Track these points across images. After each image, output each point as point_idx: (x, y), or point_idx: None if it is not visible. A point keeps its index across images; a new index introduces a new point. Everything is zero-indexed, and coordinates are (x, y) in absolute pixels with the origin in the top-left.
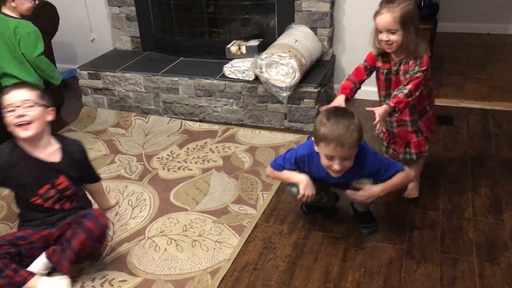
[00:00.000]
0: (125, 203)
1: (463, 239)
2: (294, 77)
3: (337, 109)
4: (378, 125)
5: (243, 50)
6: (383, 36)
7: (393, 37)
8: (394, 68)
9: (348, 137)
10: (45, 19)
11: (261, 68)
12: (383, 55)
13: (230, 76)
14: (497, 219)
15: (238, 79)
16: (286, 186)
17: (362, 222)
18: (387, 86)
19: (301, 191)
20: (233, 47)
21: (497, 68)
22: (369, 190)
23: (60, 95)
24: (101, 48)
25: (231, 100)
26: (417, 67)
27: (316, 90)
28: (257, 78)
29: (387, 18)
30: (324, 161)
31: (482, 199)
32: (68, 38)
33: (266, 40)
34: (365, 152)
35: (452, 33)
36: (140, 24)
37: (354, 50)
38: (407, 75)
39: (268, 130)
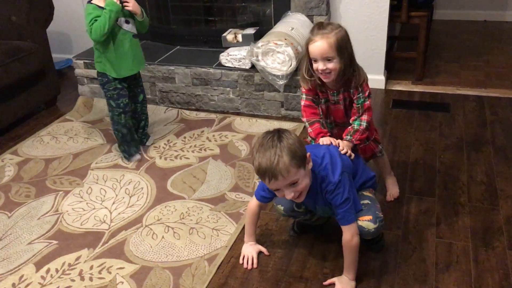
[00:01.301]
0: (122, 191)
1: (458, 225)
2: (291, 65)
3: (265, 136)
4: (349, 152)
5: (239, 38)
6: (320, 65)
7: (331, 65)
8: (332, 98)
9: (277, 166)
10: (40, 8)
11: (257, 56)
12: (319, 85)
13: (226, 65)
14: (492, 205)
15: (235, 67)
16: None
17: (369, 240)
18: (327, 114)
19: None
20: (229, 36)
21: (493, 55)
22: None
23: (56, 84)
24: None
25: (228, 89)
26: (361, 94)
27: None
28: (253, 67)
29: (323, 44)
30: (278, 194)
31: (477, 185)
32: (63, 27)
33: (262, 28)
34: (320, 164)
35: (449, 20)
36: None
37: (350, 37)
38: (356, 105)
39: (265, 118)
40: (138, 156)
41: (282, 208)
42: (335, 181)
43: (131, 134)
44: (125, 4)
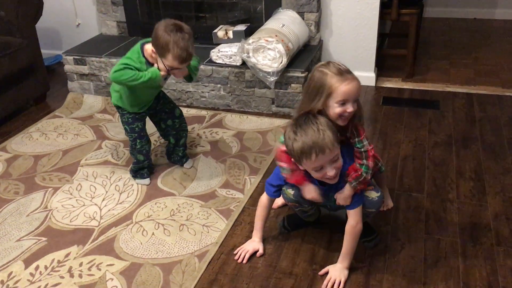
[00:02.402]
0: (112, 188)
1: (447, 221)
2: (281, 62)
3: (297, 119)
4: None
5: (230, 35)
6: (349, 108)
7: (354, 108)
8: None
9: (324, 140)
10: (29, 3)
11: (248, 53)
12: None
13: (217, 61)
14: (481, 201)
15: (225, 64)
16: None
17: (363, 236)
18: None
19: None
20: (220, 32)
21: (482, 52)
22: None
23: (45, 81)
24: (87, 34)
25: (219, 85)
26: (357, 138)
27: (303, 74)
28: (244, 63)
29: (358, 85)
30: (315, 175)
31: (466, 181)
32: (52, 23)
33: (253, 25)
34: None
35: (439, 18)
36: (126, 9)
37: (341, 35)
38: (359, 149)
39: (256, 115)
40: (147, 181)
41: (292, 192)
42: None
43: (148, 161)
44: (173, 72)
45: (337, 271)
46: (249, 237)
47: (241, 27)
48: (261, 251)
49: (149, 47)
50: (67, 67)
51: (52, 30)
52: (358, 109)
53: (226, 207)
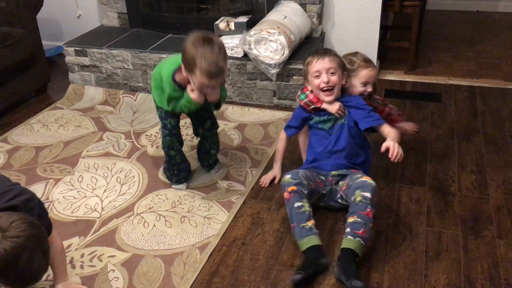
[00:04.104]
0: (113, 180)
1: (448, 213)
2: (283, 54)
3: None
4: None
5: (232, 26)
6: (369, 88)
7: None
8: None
9: (330, 52)
10: None
11: (249, 45)
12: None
13: None
14: (482, 194)
15: (227, 56)
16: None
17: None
18: None
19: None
20: (221, 24)
21: (485, 45)
22: (390, 142)
23: (46, 72)
24: (88, 25)
25: None
26: (376, 101)
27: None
28: (246, 55)
29: (376, 72)
30: (315, 82)
31: (468, 174)
32: (53, 14)
33: (255, 17)
34: (354, 97)
35: (442, 11)
36: (127, 0)
37: (343, 27)
38: (378, 103)
39: (257, 107)
40: (183, 186)
41: (289, 176)
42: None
43: (182, 160)
44: (205, 92)
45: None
46: (250, 228)
47: (243, 19)
48: (278, 177)
49: (179, 71)
50: (68, 59)
51: (53, 21)
52: (374, 90)
53: (227, 199)
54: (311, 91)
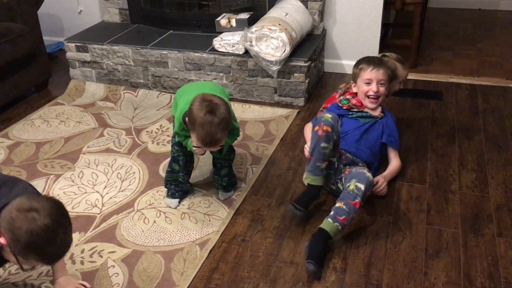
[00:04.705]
0: (114, 176)
1: (449, 212)
2: (284, 51)
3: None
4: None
5: (233, 23)
6: (374, 87)
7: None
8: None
9: (386, 63)
10: None
11: (251, 42)
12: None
13: (219, 50)
14: (483, 192)
15: (228, 52)
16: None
17: (310, 257)
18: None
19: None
20: (223, 20)
21: (487, 43)
22: (381, 178)
23: (47, 67)
24: (89, 21)
25: (221, 74)
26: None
27: (306, 64)
28: (247, 52)
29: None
30: (364, 88)
31: (468, 172)
32: (54, 10)
33: (256, 13)
34: (390, 115)
35: (443, 8)
36: None
37: (345, 24)
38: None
39: (258, 104)
40: (174, 203)
41: (330, 116)
42: (392, 127)
43: (184, 177)
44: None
45: (382, 177)
46: (250, 225)
47: (244, 16)
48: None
49: None
50: (69, 54)
51: (54, 16)
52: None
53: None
54: (353, 97)
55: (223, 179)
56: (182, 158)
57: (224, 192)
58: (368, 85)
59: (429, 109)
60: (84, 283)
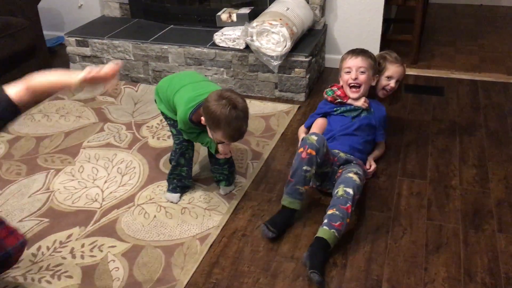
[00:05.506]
0: (114, 170)
1: (449, 207)
2: (285, 46)
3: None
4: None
5: (234, 18)
6: (353, 75)
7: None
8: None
9: (366, 52)
10: None
11: (252, 37)
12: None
13: (220, 45)
14: (483, 188)
15: (229, 47)
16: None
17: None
18: None
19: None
20: (223, 15)
21: (488, 39)
22: (372, 163)
23: (48, 62)
24: (89, 15)
25: (222, 69)
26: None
27: (307, 59)
28: (247, 47)
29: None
30: (344, 77)
31: (469, 168)
32: (54, 4)
33: (257, 8)
34: (382, 106)
35: (445, 4)
36: None
37: (346, 19)
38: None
39: (259, 99)
40: (175, 198)
41: (315, 138)
42: (382, 121)
43: (187, 172)
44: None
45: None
46: (251, 220)
47: (245, 10)
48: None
49: (197, 112)
50: (69, 49)
51: (54, 11)
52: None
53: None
54: (338, 88)
55: (224, 168)
56: (190, 152)
57: (225, 186)
58: (348, 74)
59: (430, 104)
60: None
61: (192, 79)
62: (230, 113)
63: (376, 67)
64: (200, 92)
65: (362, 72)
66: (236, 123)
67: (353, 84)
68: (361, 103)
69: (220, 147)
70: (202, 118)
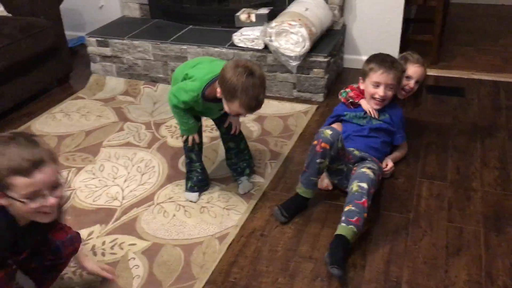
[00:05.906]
0: (134, 169)
1: (470, 209)
2: (304, 46)
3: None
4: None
5: (253, 18)
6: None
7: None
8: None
9: (398, 66)
10: None
11: (270, 37)
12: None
13: (239, 45)
14: (505, 190)
15: (247, 47)
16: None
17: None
18: None
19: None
20: (242, 15)
21: (510, 39)
22: (388, 162)
23: (69, 62)
24: (110, 15)
25: None
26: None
27: (326, 59)
28: (266, 47)
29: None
30: (370, 90)
31: (490, 170)
32: (76, 5)
33: (276, 8)
34: (398, 109)
35: (466, 4)
36: None
37: (365, 20)
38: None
39: (277, 99)
40: (194, 197)
41: (330, 133)
42: (400, 122)
43: (201, 167)
44: (235, 118)
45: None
46: (269, 220)
47: (264, 10)
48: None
49: (211, 87)
50: (90, 49)
51: (75, 11)
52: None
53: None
54: (352, 90)
55: (245, 153)
56: (196, 146)
57: (247, 181)
58: (376, 88)
59: (451, 105)
60: (108, 268)
61: (210, 59)
62: (247, 80)
63: (402, 79)
64: (218, 67)
65: (390, 88)
66: (253, 91)
67: (379, 99)
68: (369, 107)
69: (233, 118)
70: (218, 90)
